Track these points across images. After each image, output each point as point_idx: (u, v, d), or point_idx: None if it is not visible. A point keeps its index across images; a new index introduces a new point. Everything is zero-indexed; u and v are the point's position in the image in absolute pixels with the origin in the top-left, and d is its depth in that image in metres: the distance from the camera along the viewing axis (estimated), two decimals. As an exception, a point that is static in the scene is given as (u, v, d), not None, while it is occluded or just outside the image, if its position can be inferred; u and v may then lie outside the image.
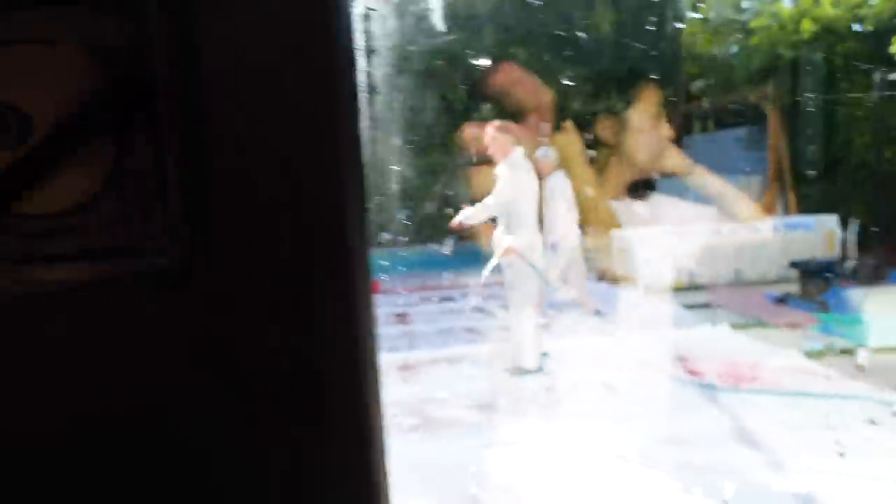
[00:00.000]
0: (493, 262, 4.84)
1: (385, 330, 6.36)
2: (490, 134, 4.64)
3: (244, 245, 0.43)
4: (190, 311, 0.43)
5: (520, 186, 4.51)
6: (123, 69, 0.40)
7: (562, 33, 13.37)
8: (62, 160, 0.40)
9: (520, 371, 4.71)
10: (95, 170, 0.41)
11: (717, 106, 12.82)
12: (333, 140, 0.45)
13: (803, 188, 10.29)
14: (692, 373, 4.55)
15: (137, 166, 0.41)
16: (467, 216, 4.80)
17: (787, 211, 10.36)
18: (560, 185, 5.67)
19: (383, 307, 7.50)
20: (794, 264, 6.84)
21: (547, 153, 5.51)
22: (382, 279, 8.75)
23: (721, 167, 13.07)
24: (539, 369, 4.77)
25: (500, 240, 4.67)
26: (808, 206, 10.11)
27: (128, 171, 0.41)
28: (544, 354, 5.03)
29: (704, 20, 17.01)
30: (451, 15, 12.90)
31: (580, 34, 13.05)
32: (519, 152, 4.64)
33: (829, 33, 9.30)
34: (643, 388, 4.31)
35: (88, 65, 0.40)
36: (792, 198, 10.34)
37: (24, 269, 0.41)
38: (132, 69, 0.40)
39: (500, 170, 4.59)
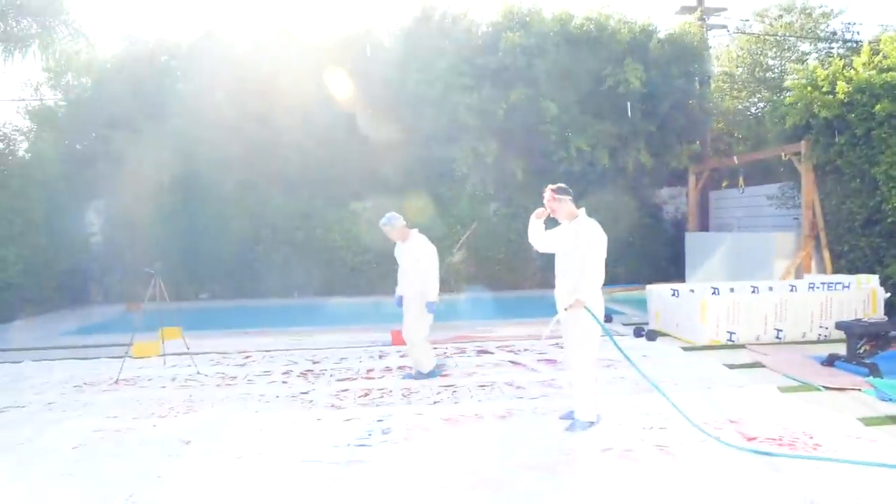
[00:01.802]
0: (558, 316, 4.80)
1: (425, 382, 6.29)
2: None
3: None
4: None
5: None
6: None
7: (591, 89, 13.57)
8: None
9: (583, 426, 4.64)
10: None
11: (746, 162, 12.83)
12: None
13: (839, 247, 10.18)
14: (747, 438, 4.41)
15: None
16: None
17: (823, 270, 10.23)
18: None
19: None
20: (840, 325, 6.69)
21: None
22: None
23: (752, 224, 13.04)
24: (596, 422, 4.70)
25: (566, 294, 4.67)
26: (844, 265, 9.99)
27: None
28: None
29: (732, 76, 17.27)
30: (480, 69, 13.18)
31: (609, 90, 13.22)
32: (582, 212, 4.77)
33: (864, 93, 9.34)
34: (699, 453, 4.18)
35: None
36: (827, 256, 10.22)
37: None
38: None
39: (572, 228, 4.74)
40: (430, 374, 6.37)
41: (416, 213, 13.94)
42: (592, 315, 4.57)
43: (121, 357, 7.21)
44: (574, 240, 4.71)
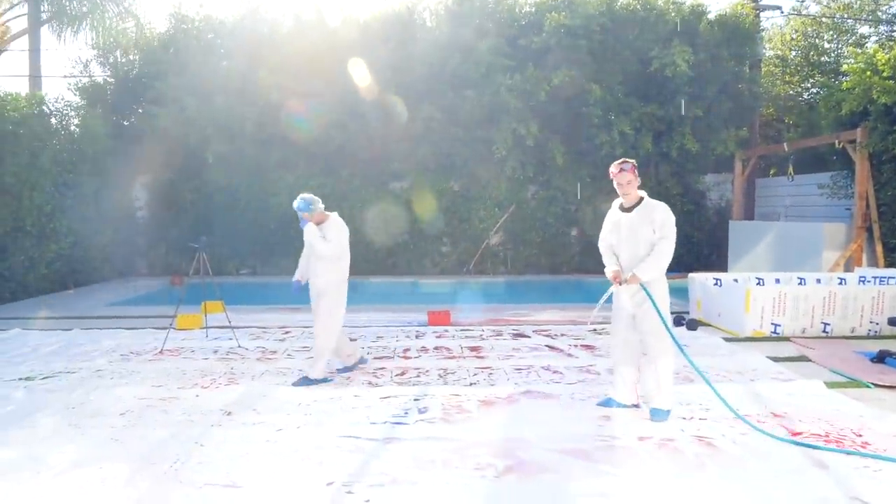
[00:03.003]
0: (607, 294, 4.70)
1: (459, 361, 6.30)
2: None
3: None
4: None
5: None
6: None
7: (636, 71, 13.24)
8: None
9: (665, 415, 4.56)
10: None
11: (797, 149, 12.40)
12: None
13: (893, 240, 9.79)
14: (791, 432, 4.30)
15: None
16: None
17: (874, 263, 9.86)
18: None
19: (456, 339, 7.45)
20: (893, 321, 6.44)
21: None
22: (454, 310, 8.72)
23: (801, 213, 12.63)
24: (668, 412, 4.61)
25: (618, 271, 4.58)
26: (899, 258, 9.61)
27: None
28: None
29: (784, 60, 16.65)
30: (523, 50, 12.98)
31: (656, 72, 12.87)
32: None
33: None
34: (743, 446, 4.10)
35: None
36: (880, 249, 9.84)
37: None
38: None
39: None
40: (318, 381, 5.57)
41: (454, 195, 13.96)
42: (650, 298, 4.48)
43: (165, 328, 7.42)
44: (640, 223, 4.53)
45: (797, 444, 4.09)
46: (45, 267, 11.21)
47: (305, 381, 5.57)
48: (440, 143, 13.23)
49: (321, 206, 5.70)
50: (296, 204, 5.57)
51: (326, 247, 5.52)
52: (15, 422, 4.65)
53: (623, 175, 4.52)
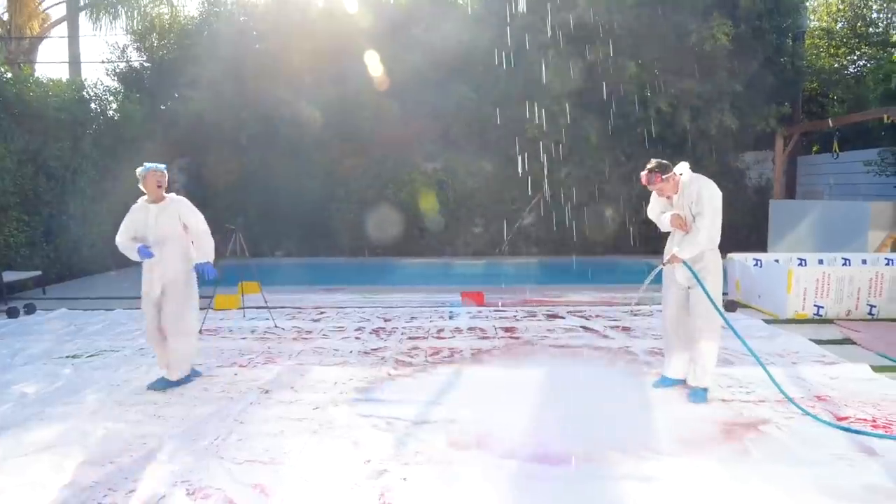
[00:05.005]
0: (653, 275, 4.64)
1: (493, 342, 6.29)
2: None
3: None
4: None
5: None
6: None
7: (674, 45, 12.88)
8: None
9: (703, 396, 4.52)
10: None
11: (842, 125, 11.94)
12: None
13: (944, 218, 9.39)
14: (837, 417, 4.18)
15: None
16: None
17: (924, 242, 9.48)
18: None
19: (490, 319, 7.43)
20: (944, 303, 6.20)
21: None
22: (488, 290, 8.69)
23: (845, 191, 12.20)
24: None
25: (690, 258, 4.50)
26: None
27: None
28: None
29: (829, 32, 15.98)
30: (557, 26, 12.73)
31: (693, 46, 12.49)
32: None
33: None
34: (788, 430, 4.00)
35: None
36: (930, 228, 9.46)
37: None
38: None
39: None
40: (181, 382, 5.06)
41: (487, 175, 13.86)
42: (696, 277, 4.40)
43: (203, 309, 7.56)
44: (684, 204, 4.48)
45: (845, 429, 3.97)
46: (88, 249, 11.53)
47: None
48: (473, 123, 13.12)
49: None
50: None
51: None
52: (63, 397, 4.80)
53: (651, 186, 4.54)
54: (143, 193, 5.03)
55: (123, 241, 4.99)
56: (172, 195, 5.08)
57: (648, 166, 4.52)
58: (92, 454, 3.77)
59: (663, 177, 4.46)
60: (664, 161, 4.51)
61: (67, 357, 5.99)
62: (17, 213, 10.16)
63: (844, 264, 8.15)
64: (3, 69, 10.56)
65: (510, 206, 14.01)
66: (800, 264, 8.16)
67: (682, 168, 4.55)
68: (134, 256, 4.91)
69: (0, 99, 9.94)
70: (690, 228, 4.45)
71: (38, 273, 9.85)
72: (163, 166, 5.00)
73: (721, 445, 3.79)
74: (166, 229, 4.93)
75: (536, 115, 12.59)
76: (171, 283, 4.93)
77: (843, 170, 12.34)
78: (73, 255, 11.31)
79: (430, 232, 14.07)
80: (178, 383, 5.03)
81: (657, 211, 4.72)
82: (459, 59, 12.92)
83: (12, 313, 7.83)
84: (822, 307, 7.28)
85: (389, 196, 13.97)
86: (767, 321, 7.18)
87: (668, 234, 4.73)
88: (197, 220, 5.05)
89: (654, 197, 4.73)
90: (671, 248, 4.61)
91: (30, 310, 8.07)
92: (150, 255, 4.85)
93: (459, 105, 12.86)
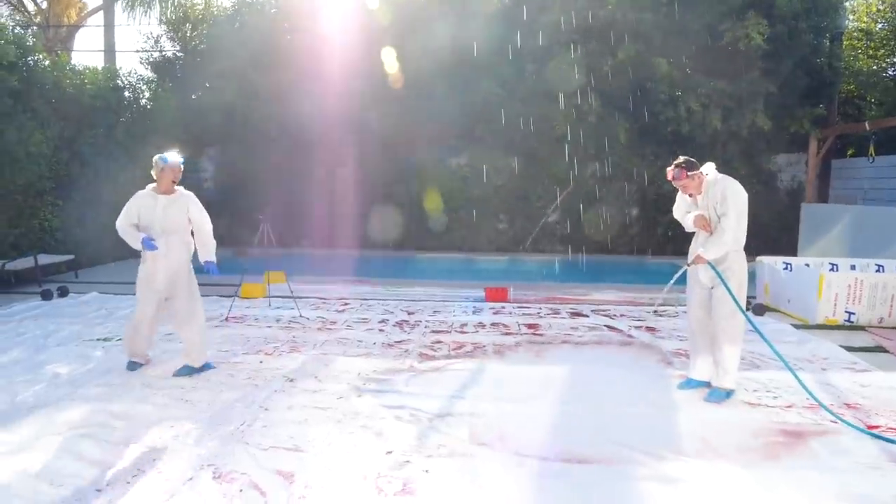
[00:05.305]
0: (680, 272, 4.61)
1: (516, 338, 6.28)
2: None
3: None
4: None
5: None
6: None
7: (706, 44, 12.68)
8: None
9: (724, 395, 4.50)
10: None
11: (879, 128, 11.65)
12: None
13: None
14: (867, 426, 4.10)
15: None
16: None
17: (962, 250, 9.22)
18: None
19: (513, 315, 7.42)
20: (982, 313, 6.02)
21: None
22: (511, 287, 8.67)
23: (880, 197, 11.91)
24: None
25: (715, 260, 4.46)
26: None
27: None
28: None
29: (869, 33, 15.59)
30: (587, 24, 12.61)
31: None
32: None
33: None
34: (816, 436, 3.93)
35: None
36: (969, 236, 9.19)
37: None
38: None
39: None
40: (204, 368, 5.13)
41: (512, 172, 13.81)
42: (720, 278, 4.36)
43: (230, 297, 7.68)
44: (709, 204, 4.45)
45: (877, 436, 3.89)
46: (118, 234, 11.73)
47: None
48: (499, 120, 13.07)
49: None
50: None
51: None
52: (94, 379, 4.91)
53: (676, 182, 4.51)
54: (154, 181, 5.05)
55: (124, 225, 4.99)
56: (181, 189, 5.16)
57: (676, 162, 4.53)
58: (121, 435, 3.85)
59: (689, 173, 4.45)
60: (692, 159, 4.51)
61: (98, 340, 6.12)
62: (52, 197, 10.40)
63: (878, 271, 7.97)
64: (41, 56, 10.78)
65: (535, 203, 13.94)
66: (831, 269, 8.00)
67: (709, 168, 4.53)
68: (135, 245, 4.94)
69: (38, 86, 10.16)
70: (714, 229, 4.41)
71: (72, 257, 10.07)
72: (181, 160, 5.06)
73: (746, 449, 3.73)
74: (174, 221, 4.99)
75: (564, 112, 12.50)
76: (177, 276, 5.01)
77: (878, 174, 12.04)
78: (105, 240, 11.52)
79: (453, 227, 14.06)
80: (201, 370, 5.11)
81: (682, 210, 4.71)
82: (486, 55, 12.88)
83: (46, 296, 8.03)
84: (854, 313, 7.13)
85: (413, 191, 13.99)
86: (797, 326, 7.05)
87: (693, 234, 4.69)
88: (204, 219, 5.17)
89: (679, 196, 4.71)
90: (696, 249, 4.57)
91: (63, 293, 8.26)
92: (155, 248, 4.88)
93: (486, 101, 12.82)
